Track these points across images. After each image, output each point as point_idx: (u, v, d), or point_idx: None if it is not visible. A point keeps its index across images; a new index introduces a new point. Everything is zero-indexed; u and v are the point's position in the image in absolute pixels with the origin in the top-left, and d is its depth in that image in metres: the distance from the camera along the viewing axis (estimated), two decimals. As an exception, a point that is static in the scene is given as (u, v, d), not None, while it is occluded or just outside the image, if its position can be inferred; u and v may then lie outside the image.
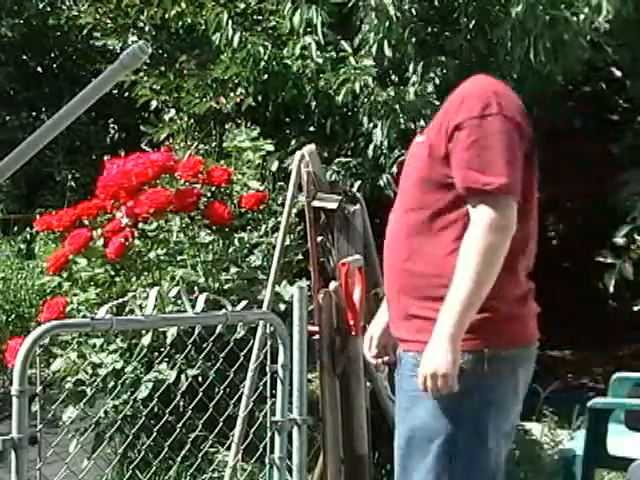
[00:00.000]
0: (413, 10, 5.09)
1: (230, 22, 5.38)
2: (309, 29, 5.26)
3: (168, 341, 4.04)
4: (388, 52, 5.01)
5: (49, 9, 11.16)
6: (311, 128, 5.63)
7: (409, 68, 5.11)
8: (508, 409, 2.44)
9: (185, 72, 6.08)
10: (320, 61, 5.25)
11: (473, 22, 5.03)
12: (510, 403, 2.44)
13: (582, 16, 4.70)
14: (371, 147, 5.11)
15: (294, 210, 3.58)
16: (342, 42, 5.26)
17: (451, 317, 2.28)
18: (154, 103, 6.12)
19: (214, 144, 5.46)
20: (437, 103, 5.04)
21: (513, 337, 2.41)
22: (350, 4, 5.23)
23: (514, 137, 2.39)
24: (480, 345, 2.35)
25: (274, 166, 4.95)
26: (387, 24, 4.92)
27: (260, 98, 5.49)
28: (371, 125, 5.10)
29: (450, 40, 5.12)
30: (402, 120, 4.99)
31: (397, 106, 4.98)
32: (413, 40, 5.05)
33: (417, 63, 5.09)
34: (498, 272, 2.32)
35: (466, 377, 2.31)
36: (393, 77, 5.27)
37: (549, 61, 4.77)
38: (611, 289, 4.98)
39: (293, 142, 5.51)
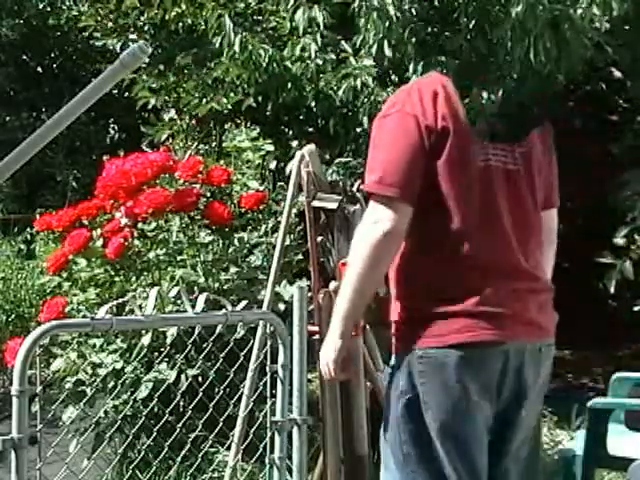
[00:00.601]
0: (413, 10, 5.09)
1: (232, 25, 5.38)
2: (309, 29, 5.26)
3: (168, 341, 4.04)
4: (388, 52, 5.01)
5: (49, 9, 11.16)
6: (311, 129, 5.63)
7: (409, 68, 5.11)
8: (456, 411, 2.33)
9: (185, 71, 6.08)
10: (320, 62, 5.25)
11: (473, 22, 5.02)
12: (457, 405, 2.33)
13: (579, 11, 4.69)
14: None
15: (294, 210, 3.58)
16: (342, 42, 5.26)
17: (335, 311, 2.46)
18: (152, 101, 6.12)
19: (214, 144, 5.46)
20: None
21: (446, 336, 2.32)
22: (355, 4, 5.23)
23: (406, 133, 2.34)
24: (405, 345, 2.37)
25: (272, 164, 4.95)
26: (387, 24, 4.92)
27: (260, 99, 5.49)
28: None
29: (450, 40, 5.12)
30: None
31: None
32: (413, 40, 5.05)
33: (417, 63, 5.09)
34: (377, 270, 2.35)
35: (397, 378, 2.37)
36: (393, 77, 5.26)
37: (549, 61, 4.77)
38: (612, 289, 4.98)
39: (294, 143, 5.52)
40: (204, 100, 5.76)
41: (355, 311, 2.45)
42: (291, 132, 5.74)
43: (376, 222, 2.32)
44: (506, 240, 2.41)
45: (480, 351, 2.35)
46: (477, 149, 2.41)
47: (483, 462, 2.40)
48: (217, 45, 5.46)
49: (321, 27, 5.20)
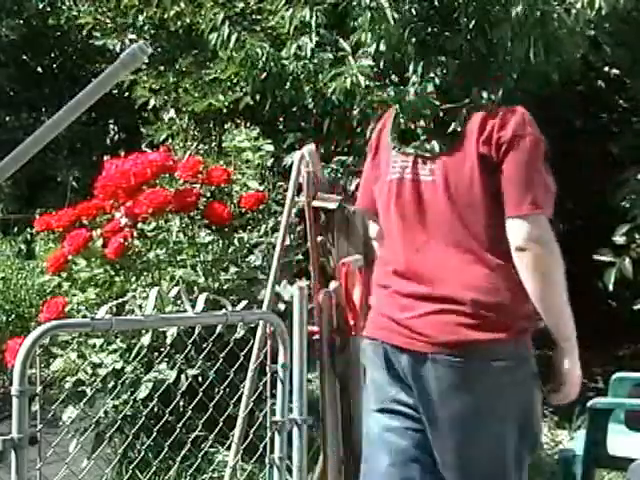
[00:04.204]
0: (413, 10, 5.08)
1: (227, 22, 5.38)
2: (306, 29, 5.26)
3: (168, 341, 4.04)
4: (385, 52, 5.00)
5: (49, 9, 11.15)
6: (307, 125, 5.64)
7: (409, 68, 5.11)
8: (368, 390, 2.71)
9: (184, 70, 6.09)
10: (316, 61, 5.24)
11: (473, 22, 5.02)
12: (369, 384, 2.71)
13: (573, 11, 4.69)
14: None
15: (294, 210, 3.57)
16: (341, 41, 5.25)
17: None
18: (152, 102, 6.12)
19: (213, 144, 5.46)
20: (437, 103, 5.03)
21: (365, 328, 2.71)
22: (344, 3, 5.23)
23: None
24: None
25: (270, 162, 4.95)
26: (384, 25, 4.91)
27: (258, 97, 5.49)
28: (369, 124, 5.09)
29: (450, 40, 5.11)
30: (401, 120, 4.98)
31: (397, 106, 4.97)
32: (413, 40, 5.04)
33: (417, 63, 5.08)
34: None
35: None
36: (393, 77, 5.25)
37: (548, 61, 4.76)
38: (610, 288, 4.98)
39: (289, 138, 5.51)
40: (203, 99, 5.76)
41: None
42: (286, 127, 5.74)
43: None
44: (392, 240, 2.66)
45: (372, 345, 2.74)
46: None
47: None
48: (212, 44, 5.46)
49: (313, 27, 5.19)
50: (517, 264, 2.41)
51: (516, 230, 2.40)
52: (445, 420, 2.46)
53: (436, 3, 5.12)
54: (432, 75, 5.02)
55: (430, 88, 4.68)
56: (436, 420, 2.48)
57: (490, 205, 2.45)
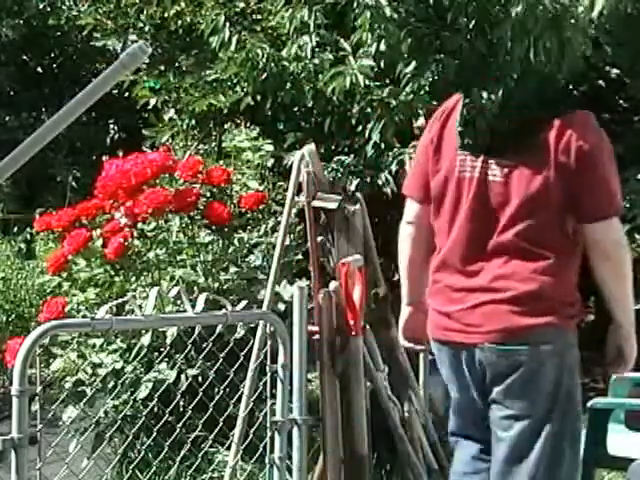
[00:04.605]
0: (411, 9, 5.08)
1: (227, 24, 5.38)
2: (306, 29, 5.26)
3: (168, 341, 4.04)
4: (385, 52, 5.00)
5: (49, 9, 11.14)
6: (307, 125, 5.63)
7: (406, 67, 5.11)
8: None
9: (185, 69, 6.08)
10: (316, 62, 5.24)
11: (473, 22, 5.02)
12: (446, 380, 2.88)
13: (580, 9, 4.69)
14: (370, 145, 5.11)
15: (294, 210, 3.58)
16: (341, 40, 5.25)
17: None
18: (152, 101, 6.12)
19: (214, 144, 5.46)
20: (434, 102, 5.04)
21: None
22: (343, 3, 5.23)
23: (420, 144, 2.94)
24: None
25: (270, 162, 4.95)
26: (383, 25, 4.92)
27: (259, 98, 5.49)
28: (369, 124, 5.10)
29: (450, 40, 5.12)
30: (399, 118, 4.99)
31: (394, 102, 4.98)
32: (409, 40, 5.05)
33: (416, 61, 5.08)
34: (406, 260, 2.92)
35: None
36: (390, 76, 5.25)
37: (550, 61, 4.76)
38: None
39: (289, 138, 5.51)
40: (203, 98, 5.75)
41: None
42: (286, 127, 5.73)
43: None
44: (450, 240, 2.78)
45: (437, 346, 2.92)
46: None
47: None
48: (213, 45, 5.46)
49: (311, 27, 5.19)
50: (596, 259, 2.71)
51: (602, 232, 2.68)
52: (500, 402, 2.71)
53: (432, 3, 5.13)
54: (429, 74, 5.04)
55: (427, 87, 4.67)
56: (493, 403, 2.73)
57: (560, 208, 2.67)
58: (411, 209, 2.91)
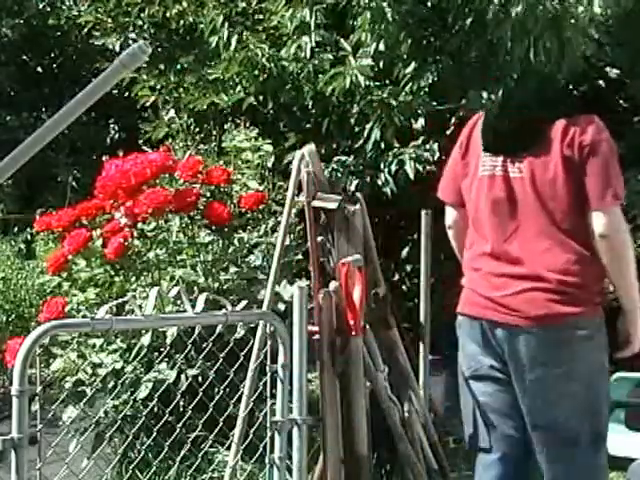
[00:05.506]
0: (411, 10, 5.08)
1: (226, 24, 5.38)
2: (306, 30, 5.25)
3: (168, 341, 4.04)
4: (385, 51, 5.00)
5: (49, 9, 11.14)
6: (307, 125, 5.63)
7: (406, 67, 5.10)
8: (464, 360, 3.16)
9: (185, 69, 6.07)
10: (316, 62, 5.24)
11: (472, 23, 5.01)
12: (463, 356, 3.16)
13: (581, 8, 4.69)
14: (370, 145, 5.11)
15: (294, 210, 3.57)
16: (342, 40, 5.24)
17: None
18: (152, 98, 6.11)
19: (213, 144, 5.45)
20: (434, 103, 5.04)
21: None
22: (343, 3, 5.23)
23: (452, 153, 3.22)
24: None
25: (270, 162, 4.95)
26: (383, 25, 4.92)
27: (261, 98, 5.49)
28: (368, 124, 5.09)
29: (449, 40, 5.12)
30: (399, 119, 4.99)
31: (393, 102, 4.98)
32: (409, 41, 5.05)
33: (416, 62, 5.08)
34: (460, 255, 3.23)
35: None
36: (390, 76, 5.25)
37: (550, 61, 4.76)
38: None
39: (290, 139, 5.51)
40: (204, 98, 5.74)
41: None
42: (286, 127, 5.73)
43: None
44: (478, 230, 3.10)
45: (467, 321, 3.19)
46: None
47: None
48: (214, 44, 5.46)
49: (312, 27, 5.19)
50: (599, 247, 2.90)
51: (600, 220, 2.88)
52: (534, 382, 2.95)
53: (432, 4, 5.12)
54: (429, 74, 5.04)
55: (427, 88, 4.68)
56: (526, 383, 2.97)
57: (571, 198, 2.91)
58: (449, 213, 3.26)
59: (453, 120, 5.07)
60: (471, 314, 3.09)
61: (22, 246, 8.03)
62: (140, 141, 5.98)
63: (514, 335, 2.95)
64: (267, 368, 2.76)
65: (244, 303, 2.72)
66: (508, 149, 3.00)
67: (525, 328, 2.92)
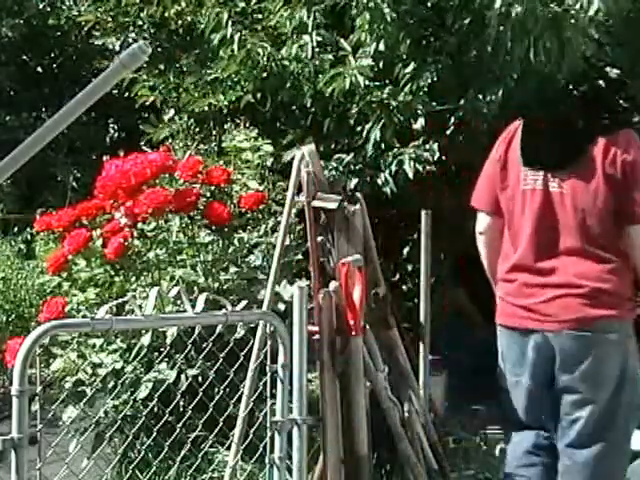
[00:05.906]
0: (410, 10, 5.08)
1: (230, 22, 5.37)
2: (305, 30, 5.25)
3: (168, 341, 4.04)
4: (384, 51, 5.00)
5: (49, 9, 11.13)
6: (307, 124, 5.63)
7: (405, 68, 5.10)
8: (506, 367, 3.36)
9: (185, 69, 6.07)
10: (317, 62, 5.24)
11: (471, 22, 5.01)
12: (505, 363, 3.36)
13: (578, 6, 4.68)
14: (369, 145, 5.10)
15: (294, 210, 3.58)
16: (342, 40, 5.24)
17: None
18: (152, 98, 6.11)
19: (213, 144, 5.45)
20: (433, 103, 5.04)
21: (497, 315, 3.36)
22: (342, 3, 5.22)
23: (489, 161, 3.36)
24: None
25: (269, 162, 4.95)
26: (382, 26, 4.91)
27: (259, 96, 5.48)
28: (368, 124, 5.09)
29: (448, 40, 5.11)
30: (398, 119, 4.99)
31: (393, 103, 4.98)
32: (408, 41, 5.04)
33: (415, 62, 5.08)
34: (486, 262, 3.42)
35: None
36: (389, 76, 5.25)
37: (550, 61, 4.76)
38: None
39: (288, 136, 5.50)
40: (204, 98, 5.74)
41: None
42: (285, 125, 5.72)
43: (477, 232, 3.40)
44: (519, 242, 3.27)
45: (505, 331, 3.45)
46: None
47: None
48: (215, 42, 5.45)
49: (309, 27, 5.19)
50: (636, 261, 3.14)
51: (634, 235, 3.12)
52: (568, 381, 3.16)
53: (431, 4, 5.12)
54: (428, 74, 5.03)
55: (426, 87, 4.69)
56: (561, 382, 3.18)
57: (609, 214, 3.12)
58: (482, 220, 3.41)
59: (453, 120, 5.07)
60: (507, 324, 3.29)
61: (22, 246, 8.02)
62: (142, 143, 5.98)
63: (548, 339, 3.16)
64: (267, 368, 2.76)
65: (244, 303, 2.72)
66: (549, 165, 3.16)
67: (559, 332, 3.13)
